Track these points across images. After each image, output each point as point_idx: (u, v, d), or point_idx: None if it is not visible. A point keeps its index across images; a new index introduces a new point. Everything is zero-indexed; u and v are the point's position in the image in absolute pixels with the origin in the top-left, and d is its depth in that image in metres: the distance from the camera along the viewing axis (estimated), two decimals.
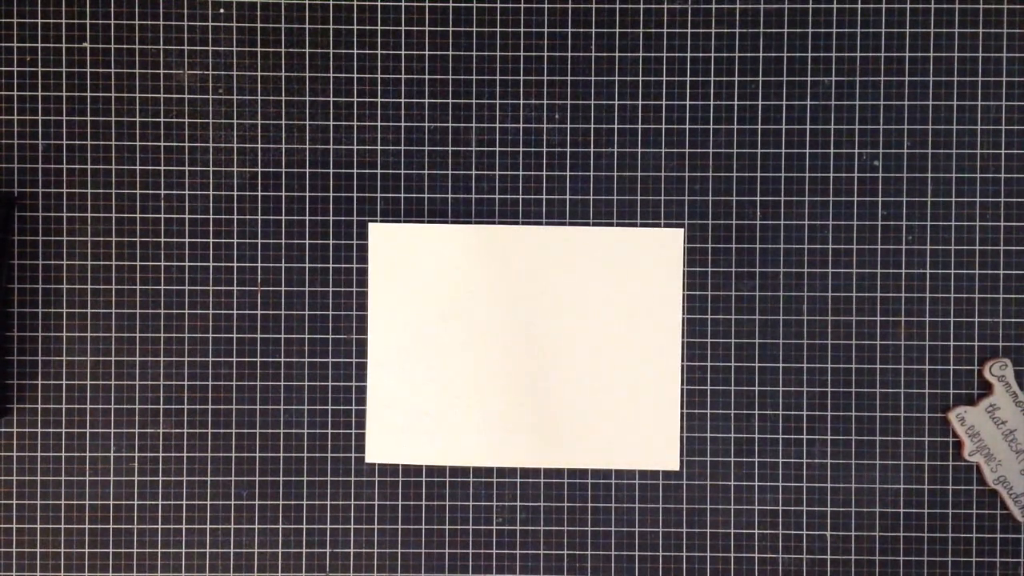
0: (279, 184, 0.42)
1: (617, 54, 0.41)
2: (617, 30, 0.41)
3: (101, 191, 0.41)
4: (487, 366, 0.41)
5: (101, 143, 0.41)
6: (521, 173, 0.41)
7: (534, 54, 0.41)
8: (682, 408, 0.41)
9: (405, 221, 0.41)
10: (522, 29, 0.41)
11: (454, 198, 0.41)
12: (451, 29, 0.41)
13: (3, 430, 0.41)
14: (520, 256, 0.41)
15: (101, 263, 0.41)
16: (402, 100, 0.41)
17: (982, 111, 0.41)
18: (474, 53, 0.41)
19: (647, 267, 0.41)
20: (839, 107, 0.41)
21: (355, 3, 0.41)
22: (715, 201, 0.41)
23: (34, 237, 0.41)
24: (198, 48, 0.41)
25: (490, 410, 0.41)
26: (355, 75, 0.41)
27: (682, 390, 0.41)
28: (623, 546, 0.41)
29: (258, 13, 0.41)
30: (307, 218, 0.41)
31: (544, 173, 0.41)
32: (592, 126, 0.41)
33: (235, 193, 0.41)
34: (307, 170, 0.42)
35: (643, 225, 0.41)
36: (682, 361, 0.41)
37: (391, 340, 0.41)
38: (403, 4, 0.41)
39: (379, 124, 0.41)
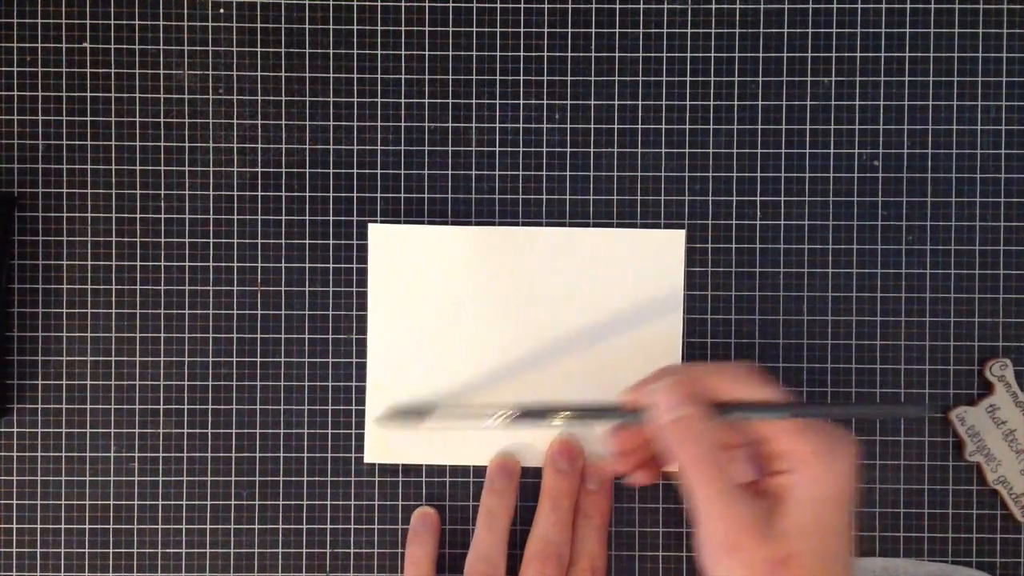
0: (279, 184, 0.42)
1: (617, 54, 0.41)
2: (617, 30, 0.41)
3: (101, 191, 0.41)
4: (487, 366, 0.41)
5: (101, 143, 0.41)
6: (521, 173, 0.41)
7: (534, 54, 0.41)
8: None
9: (405, 221, 0.41)
10: (522, 29, 0.41)
11: (454, 198, 0.41)
12: (451, 29, 0.41)
13: (3, 430, 0.41)
14: (520, 256, 0.41)
15: (101, 263, 0.41)
16: (402, 100, 0.41)
17: (982, 111, 0.41)
18: (474, 53, 0.41)
19: (647, 267, 0.41)
20: (839, 107, 0.41)
21: (355, 3, 0.41)
22: (715, 201, 0.41)
23: (34, 237, 0.41)
24: (198, 48, 0.41)
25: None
26: (355, 75, 0.41)
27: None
28: (623, 546, 0.41)
29: (258, 13, 0.41)
30: (307, 218, 0.41)
31: (544, 173, 0.41)
32: (592, 126, 0.41)
33: (235, 193, 0.41)
34: (307, 170, 0.42)
35: (643, 225, 0.41)
36: (682, 361, 0.41)
37: (391, 340, 0.41)
38: (403, 4, 0.41)
39: (379, 124, 0.41)
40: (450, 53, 0.41)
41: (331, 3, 0.41)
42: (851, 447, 0.32)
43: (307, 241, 0.41)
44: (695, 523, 0.33)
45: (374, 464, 0.41)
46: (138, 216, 0.41)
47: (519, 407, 0.37)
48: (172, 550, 0.41)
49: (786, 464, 0.32)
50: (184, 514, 0.41)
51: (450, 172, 0.41)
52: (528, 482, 0.41)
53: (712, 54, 0.41)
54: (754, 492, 0.33)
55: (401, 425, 0.40)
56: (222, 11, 0.41)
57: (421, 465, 0.41)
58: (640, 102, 0.41)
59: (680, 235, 0.41)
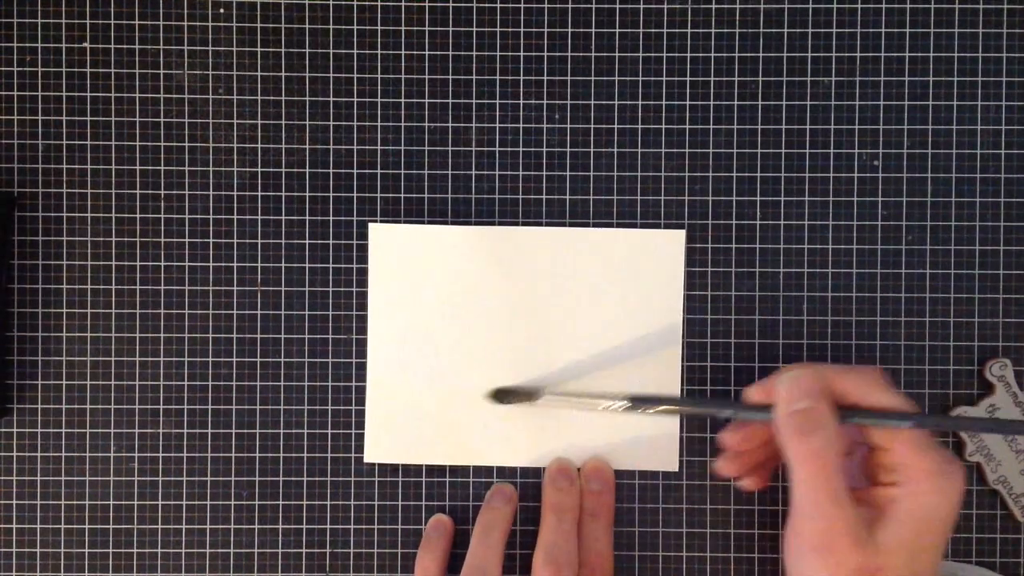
0: (279, 184, 0.42)
1: (617, 54, 0.41)
2: (617, 30, 0.41)
3: (101, 191, 0.41)
4: (486, 366, 0.41)
5: (101, 143, 0.41)
6: (521, 173, 0.41)
7: (534, 54, 0.41)
8: None
9: (405, 221, 0.41)
10: (522, 29, 0.41)
11: (454, 198, 0.41)
12: (451, 29, 0.41)
13: (3, 430, 0.41)
14: (520, 256, 0.41)
15: (101, 263, 0.41)
16: (402, 100, 0.41)
17: (982, 111, 0.41)
18: (474, 53, 0.41)
19: (647, 267, 0.41)
20: (839, 107, 0.41)
21: (355, 3, 0.41)
22: (715, 201, 0.41)
23: (34, 237, 0.41)
24: (198, 48, 0.41)
25: (489, 410, 0.41)
26: (355, 75, 0.41)
27: (682, 390, 0.41)
28: (623, 546, 0.41)
29: (258, 13, 0.41)
30: (307, 218, 0.41)
31: (544, 173, 0.41)
32: (592, 126, 0.41)
33: (235, 193, 0.41)
34: (307, 170, 0.42)
35: (643, 225, 0.41)
36: (682, 361, 0.41)
37: (391, 340, 0.41)
38: (403, 4, 0.41)
39: (379, 124, 0.41)
40: (450, 53, 0.41)
41: (331, 3, 0.41)
42: (961, 473, 0.32)
43: (307, 241, 0.41)
44: (791, 516, 0.33)
45: (374, 464, 0.41)
46: (138, 216, 0.41)
47: (631, 397, 0.37)
48: (172, 550, 0.41)
49: (896, 477, 0.32)
50: (184, 514, 0.41)
51: (450, 172, 0.41)
52: (527, 482, 0.41)
53: (712, 54, 0.41)
54: (857, 499, 0.33)
55: (514, 403, 0.40)
56: (222, 11, 0.41)
57: (421, 465, 0.41)
58: (640, 102, 0.41)
59: (680, 235, 0.41)
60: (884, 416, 0.33)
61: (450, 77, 0.41)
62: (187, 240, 0.41)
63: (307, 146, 0.42)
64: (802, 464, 0.32)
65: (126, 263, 0.41)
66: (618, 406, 0.37)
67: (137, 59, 0.41)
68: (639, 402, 0.37)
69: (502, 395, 0.40)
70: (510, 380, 0.41)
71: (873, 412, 0.33)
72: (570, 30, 0.41)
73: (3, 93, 0.41)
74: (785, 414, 0.33)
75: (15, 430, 0.41)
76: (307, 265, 0.41)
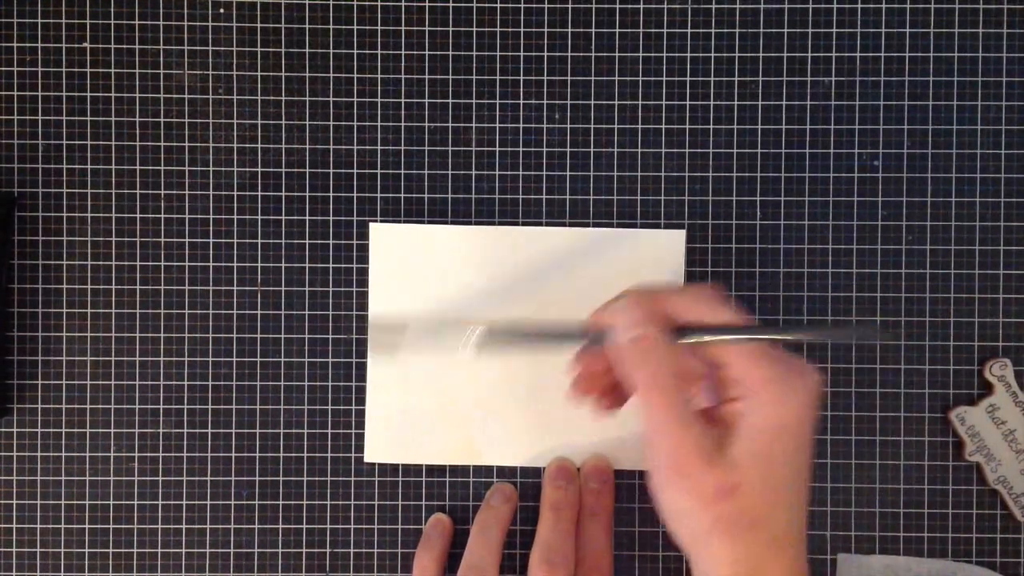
0: (279, 184, 0.42)
1: (617, 54, 0.41)
2: (617, 30, 0.41)
3: (101, 191, 0.41)
4: (487, 366, 0.41)
5: (101, 143, 0.41)
6: (521, 173, 0.41)
7: (534, 54, 0.41)
8: None
9: (405, 221, 0.41)
10: (522, 29, 0.41)
11: (454, 198, 0.41)
12: (451, 29, 0.41)
13: (3, 430, 0.41)
14: (520, 256, 0.41)
15: (101, 263, 0.41)
16: (402, 100, 0.41)
17: (982, 111, 0.41)
18: (474, 53, 0.41)
19: (647, 268, 0.41)
20: (839, 107, 0.41)
21: (355, 3, 0.41)
22: (715, 201, 0.41)
23: (34, 237, 0.41)
24: (198, 48, 0.41)
25: (490, 410, 0.41)
26: (355, 75, 0.41)
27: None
28: (623, 546, 0.41)
29: (258, 13, 0.41)
30: (307, 218, 0.41)
31: (544, 173, 0.41)
32: (592, 126, 0.41)
33: (235, 193, 0.41)
34: (307, 170, 0.42)
35: (643, 225, 0.41)
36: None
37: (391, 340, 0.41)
38: (403, 4, 0.41)
39: (379, 124, 0.41)
40: (450, 53, 0.41)
41: (331, 3, 0.41)
42: (808, 377, 0.31)
43: (307, 241, 0.41)
44: (646, 448, 0.32)
45: (374, 464, 0.41)
46: (138, 216, 0.41)
47: (489, 325, 0.36)
48: (172, 550, 0.41)
49: (739, 391, 0.31)
50: (184, 514, 0.41)
51: (450, 172, 0.41)
52: (527, 482, 0.41)
53: (712, 54, 0.41)
54: (708, 419, 0.32)
55: (382, 347, 0.39)
56: (222, 11, 0.41)
57: (421, 465, 0.41)
58: (640, 102, 0.41)
59: (680, 235, 0.41)
60: (716, 331, 0.32)
61: (450, 77, 0.41)
62: (187, 240, 0.41)
63: (307, 146, 0.42)
64: (641, 392, 0.31)
65: (126, 263, 0.41)
66: (479, 335, 0.36)
67: (137, 59, 0.41)
68: (498, 333, 0.36)
69: (373, 336, 0.38)
70: (509, 379, 0.41)
71: (707, 328, 0.32)
72: (570, 30, 0.41)
73: (3, 93, 0.41)
74: (620, 345, 0.32)
75: (15, 430, 0.41)
76: (307, 265, 0.41)
